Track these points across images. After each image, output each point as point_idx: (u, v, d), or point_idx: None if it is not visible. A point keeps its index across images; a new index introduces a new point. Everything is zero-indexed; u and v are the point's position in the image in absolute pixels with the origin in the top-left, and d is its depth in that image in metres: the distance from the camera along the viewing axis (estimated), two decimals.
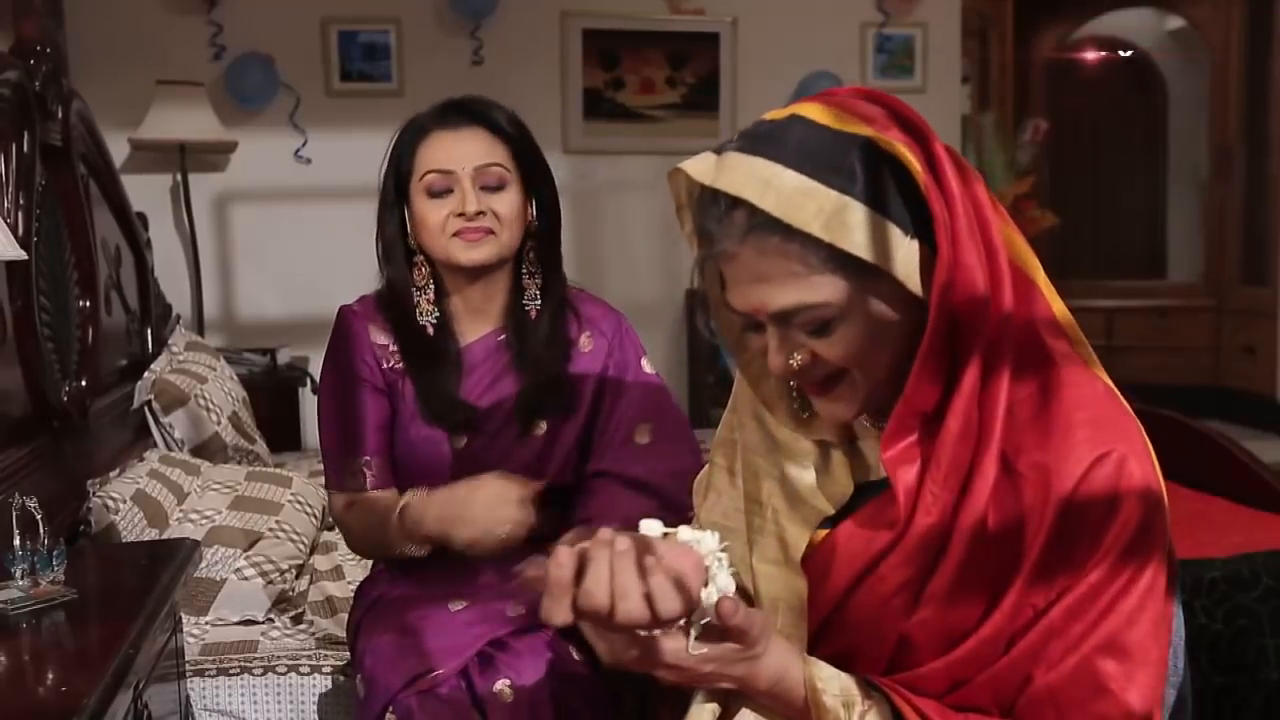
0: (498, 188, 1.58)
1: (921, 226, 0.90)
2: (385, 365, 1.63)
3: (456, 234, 1.57)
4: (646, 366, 1.69)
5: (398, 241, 1.63)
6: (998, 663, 0.92)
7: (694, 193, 0.98)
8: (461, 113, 1.63)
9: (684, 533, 0.90)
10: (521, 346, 1.62)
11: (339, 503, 1.66)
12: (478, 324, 1.65)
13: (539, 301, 1.64)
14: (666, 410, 1.67)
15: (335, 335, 1.66)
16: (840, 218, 0.87)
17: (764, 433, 1.11)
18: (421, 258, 1.63)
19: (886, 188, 0.89)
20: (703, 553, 0.89)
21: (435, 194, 1.58)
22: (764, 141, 0.91)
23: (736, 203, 0.90)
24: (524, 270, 1.64)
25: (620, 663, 0.89)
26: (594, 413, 1.64)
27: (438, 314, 1.63)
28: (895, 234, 0.89)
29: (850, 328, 0.91)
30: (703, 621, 0.89)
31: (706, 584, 0.88)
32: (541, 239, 1.65)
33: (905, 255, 0.89)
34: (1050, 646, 0.90)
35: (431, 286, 1.63)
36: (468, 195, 1.56)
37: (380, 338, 1.64)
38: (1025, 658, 0.91)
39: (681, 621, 0.88)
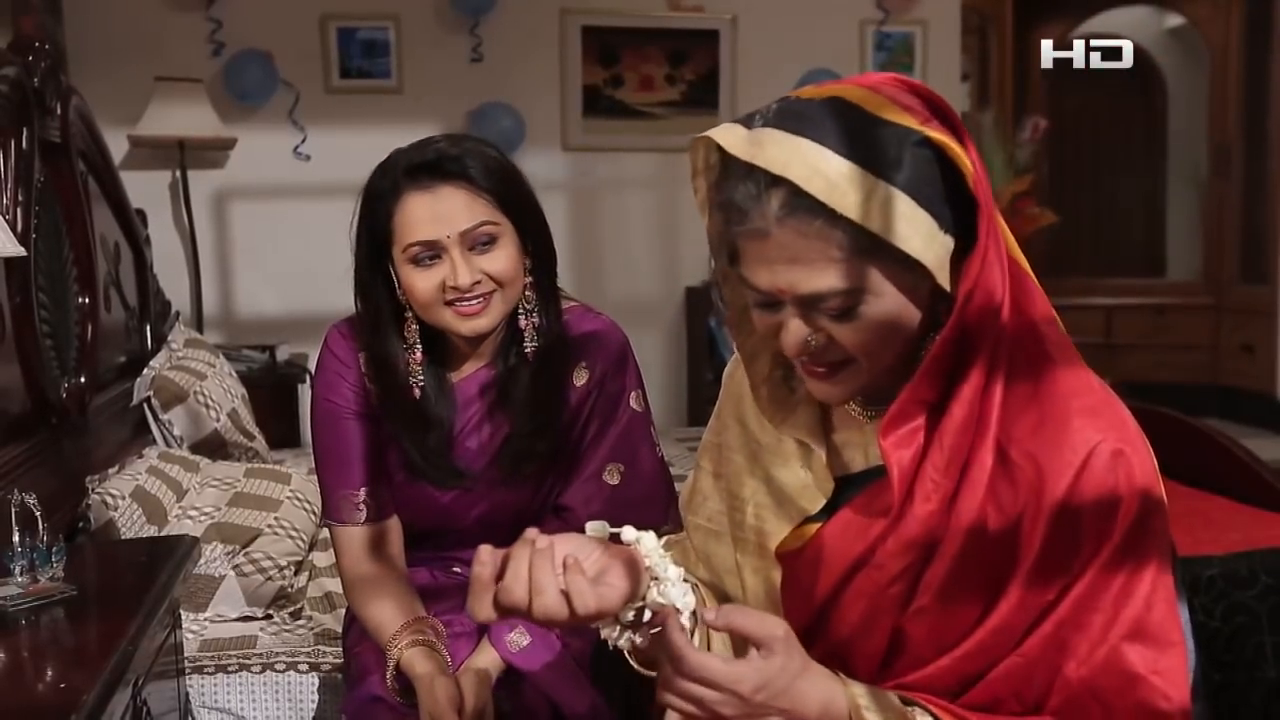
0: (489, 245, 1.45)
1: (951, 224, 0.90)
2: (376, 395, 1.57)
3: (451, 303, 1.46)
4: (636, 403, 1.59)
5: (383, 308, 1.51)
6: (1009, 658, 0.92)
7: (711, 161, 0.97)
8: (435, 172, 1.44)
9: (627, 533, 0.93)
10: (511, 391, 1.55)
11: (348, 558, 1.59)
12: (474, 359, 1.58)
13: (536, 343, 1.53)
14: (643, 456, 1.59)
15: (323, 360, 1.60)
16: (886, 208, 0.87)
17: (747, 435, 1.12)
18: (411, 314, 1.51)
19: (930, 182, 0.89)
20: (643, 551, 0.91)
21: (421, 263, 1.45)
22: (806, 122, 0.89)
23: (777, 181, 0.89)
24: (519, 311, 1.52)
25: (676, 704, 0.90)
26: (578, 444, 1.59)
27: (427, 360, 1.54)
28: (934, 229, 0.89)
29: (874, 315, 0.91)
30: (655, 630, 0.91)
31: (657, 580, 0.91)
32: (537, 277, 1.53)
33: (940, 251, 0.89)
34: (1075, 640, 0.91)
35: (419, 347, 1.53)
36: (458, 266, 1.43)
37: (368, 365, 1.57)
38: (1043, 651, 0.92)
39: (630, 612, 0.89)
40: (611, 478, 1.56)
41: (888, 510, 0.95)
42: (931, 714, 0.92)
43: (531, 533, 0.90)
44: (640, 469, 1.58)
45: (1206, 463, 2.46)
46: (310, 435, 1.64)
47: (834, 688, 0.92)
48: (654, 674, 0.95)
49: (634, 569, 0.92)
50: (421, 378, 1.53)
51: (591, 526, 0.94)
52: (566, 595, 0.86)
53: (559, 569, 0.88)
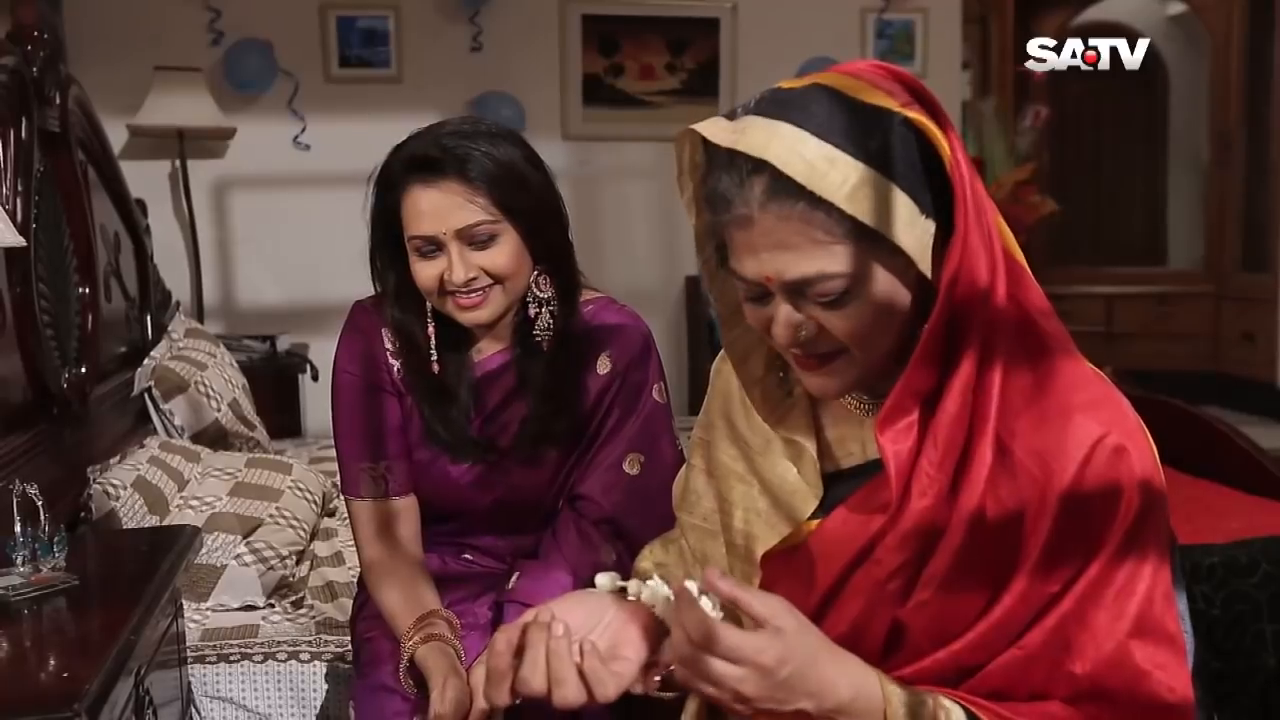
0: (487, 242, 1.45)
1: (933, 209, 0.90)
2: (398, 370, 1.58)
3: (450, 293, 1.47)
4: (658, 395, 1.60)
5: (401, 286, 1.53)
6: (1009, 651, 0.92)
7: (697, 159, 0.97)
8: (435, 168, 1.43)
9: (632, 587, 0.93)
10: (530, 374, 1.55)
11: (364, 534, 1.59)
12: (493, 340, 1.58)
13: (549, 331, 1.53)
14: (663, 447, 1.60)
15: (349, 333, 1.59)
16: (865, 190, 0.87)
17: (734, 434, 1.11)
18: None
19: (911, 165, 0.88)
20: (652, 602, 0.91)
21: (424, 254, 1.46)
22: (787, 107, 0.90)
23: (759, 167, 0.88)
24: (529, 299, 1.53)
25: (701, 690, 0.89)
26: (598, 433, 1.59)
27: (449, 338, 1.55)
28: (914, 212, 0.88)
29: (863, 302, 0.91)
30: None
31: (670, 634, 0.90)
32: (549, 267, 1.53)
33: (920, 235, 0.89)
34: (1078, 636, 0.91)
35: (432, 323, 1.54)
36: (454, 262, 1.44)
37: (393, 342, 1.58)
38: (1044, 645, 0.91)
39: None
40: (631, 467, 1.57)
41: (886, 506, 0.94)
42: (961, 705, 0.92)
43: (545, 614, 0.90)
44: (660, 460, 1.58)
45: (1207, 451, 2.46)
46: (331, 409, 1.62)
47: (866, 675, 0.91)
48: (668, 694, 0.95)
49: (649, 621, 0.91)
50: (435, 353, 1.54)
51: (601, 580, 0.94)
52: (584, 678, 0.87)
53: (575, 654, 0.88)
